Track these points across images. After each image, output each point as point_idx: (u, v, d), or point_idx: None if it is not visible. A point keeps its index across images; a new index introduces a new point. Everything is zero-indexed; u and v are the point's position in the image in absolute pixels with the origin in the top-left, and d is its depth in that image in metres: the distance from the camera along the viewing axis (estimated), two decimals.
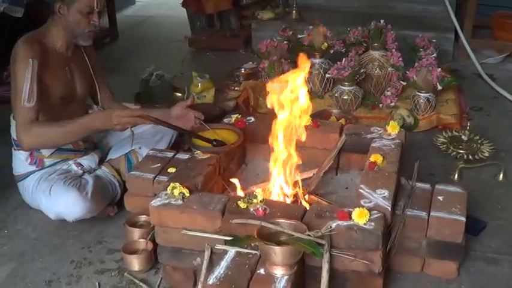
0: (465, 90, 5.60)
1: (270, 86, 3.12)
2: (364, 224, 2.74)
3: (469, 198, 3.19)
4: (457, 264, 3.09)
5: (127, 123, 3.41)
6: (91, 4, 3.46)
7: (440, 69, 4.82)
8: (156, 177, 3.32)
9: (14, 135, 3.64)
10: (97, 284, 3.12)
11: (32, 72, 3.35)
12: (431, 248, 3.01)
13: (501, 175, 4.07)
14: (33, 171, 3.63)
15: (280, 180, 3.23)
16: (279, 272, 2.60)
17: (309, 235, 2.65)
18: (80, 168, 3.66)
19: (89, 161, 3.74)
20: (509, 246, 3.41)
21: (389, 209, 2.89)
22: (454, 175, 4.07)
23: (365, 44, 5.47)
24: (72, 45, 3.64)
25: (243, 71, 5.82)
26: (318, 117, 4.33)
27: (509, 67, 6.34)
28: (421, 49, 5.37)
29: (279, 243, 2.63)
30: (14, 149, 3.69)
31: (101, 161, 3.82)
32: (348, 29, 5.60)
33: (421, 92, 4.84)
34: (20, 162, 3.65)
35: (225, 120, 3.89)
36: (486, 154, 4.22)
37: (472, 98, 5.46)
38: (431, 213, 2.98)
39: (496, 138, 4.55)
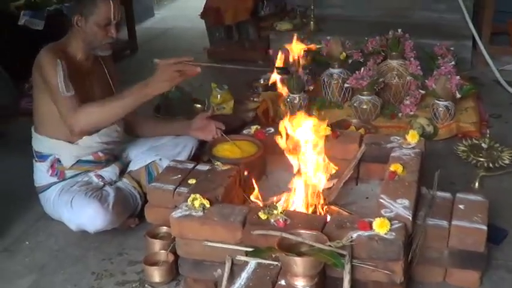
0: (484, 97, 5.58)
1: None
2: (385, 234, 2.74)
3: (490, 207, 3.17)
4: (479, 274, 3.07)
5: (175, 75, 3.40)
6: (108, 16, 3.51)
7: (459, 77, 4.80)
8: (176, 188, 3.34)
9: (35, 147, 3.68)
10: None
11: (63, 70, 3.41)
12: (453, 257, 2.99)
13: None
14: (55, 183, 3.65)
15: (301, 190, 3.24)
16: (300, 283, 2.60)
17: (330, 246, 2.65)
18: (100, 180, 3.68)
19: (109, 173, 3.75)
20: None
21: (410, 218, 2.89)
22: (475, 183, 4.06)
23: (383, 54, 5.45)
24: (92, 56, 3.68)
25: (261, 82, 5.82)
26: (338, 127, 4.33)
27: None
28: (439, 57, 5.35)
29: (299, 254, 2.63)
30: (36, 161, 3.72)
31: (122, 173, 3.84)
32: (366, 38, 5.59)
33: (440, 101, 4.82)
34: (41, 173, 3.68)
35: (245, 131, 3.91)
36: (506, 161, 4.19)
37: (491, 105, 5.44)
38: (452, 222, 2.97)
39: None
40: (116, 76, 3.93)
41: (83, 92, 3.57)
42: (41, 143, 3.66)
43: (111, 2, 3.52)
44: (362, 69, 4.96)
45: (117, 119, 3.60)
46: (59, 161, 3.63)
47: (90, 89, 3.69)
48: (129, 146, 4.01)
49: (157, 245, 3.30)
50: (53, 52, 3.47)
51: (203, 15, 7.21)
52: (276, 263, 2.73)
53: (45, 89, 3.48)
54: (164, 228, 3.35)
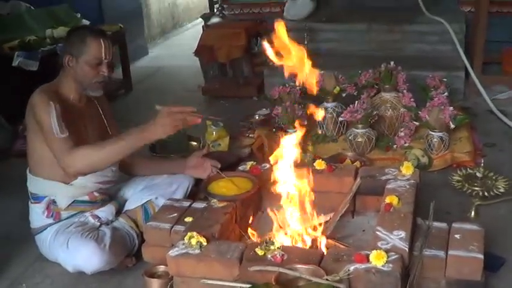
0: (478, 126, 5.61)
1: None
2: (382, 266, 2.75)
3: (487, 235, 3.18)
4: None
5: (176, 123, 3.38)
6: (99, 56, 3.54)
7: (452, 107, 4.84)
8: (173, 227, 3.34)
9: (31, 188, 3.68)
10: None
11: (55, 111, 3.41)
12: (451, 287, 2.99)
13: None
14: (50, 224, 3.64)
15: (298, 225, 3.26)
16: None
17: (327, 279, 2.66)
18: (97, 220, 3.67)
19: (105, 212, 3.74)
20: None
21: (407, 250, 2.90)
22: (471, 213, 4.06)
23: (376, 86, 5.48)
24: (85, 96, 3.69)
25: (256, 118, 5.85)
26: (333, 161, 4.36)
27: None
28: (432, 89, 5.39)
29: None
30: (31, 203, 3.71)
31: (118, 213, 3.83)
32: (359, 72, 5.63)
33: (434, 132, 4.85)
34: (37, 215, 3.67)
35: (240, 167, 3.92)
36: (502, 190, 4.23)
37: (485, 134, 5.47)
38: (449, 252, 2.98)
39: (511, 173, 4.54)
40: (110, 116, 3.94)
41: (77, 133, 3.58)
42: (36, 184, 3.67)
43: (101, 40, 3.54)
44: (356, 102, 4.99)
45: (114, 162, 3.60)
46: (54, 202, 3.63)
47: (85, 130, 3.69)
48: (125, 185, 4.02)
49: (155, 284, 3.28)
50: (46, 94, 3.48)
51: (197, 53, 7.25)
52: None
53: (39, 131, 3.49)
54: (162, 267, 3.34)
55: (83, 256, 3.39)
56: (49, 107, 3.42)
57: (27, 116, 3.55)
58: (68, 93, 3.63)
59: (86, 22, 7.14)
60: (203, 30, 7.67)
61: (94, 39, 3.53)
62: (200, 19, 8.63)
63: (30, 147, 3.64)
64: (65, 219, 3.65)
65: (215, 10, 8.15)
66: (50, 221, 3.65)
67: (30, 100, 3.51)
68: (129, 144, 3.43)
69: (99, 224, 3.67)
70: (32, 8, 7.02)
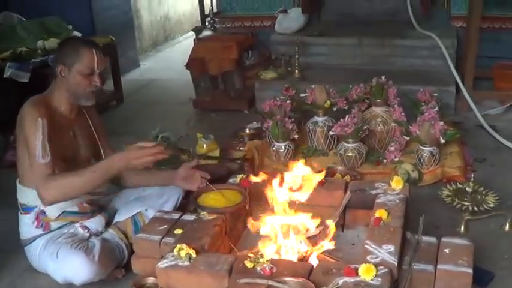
0: (468, 141, 5.63)
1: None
2: (371, 279, 2.76)
3: (476, 250, 3.20)
4: None
5: (145, 162, 3.42)
6: (91, 65, 3.54)
7: (442, 122, 4.85)
8: (162, 239, 3.34)
9: (20, 199, 3.67)
10: None
11: (42, 131, 3.40)
12: None
13: (507, 225, 4.06)
14: (40, 235, 3.63)
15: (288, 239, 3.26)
16: None
17: None
18: (86, 231, 3.67)
19: (95, 223, 3.74)
20: None
21: (396, 264, 2.91)
22: (461, 227, 4.06)
23: (367, 101, 5.52)
24: (76, 108, 3.69)
25: (247, 131, 5.87)
26: None
27: (511, 117, 6.37)
28: (423, 103, 5.41)
29: None
30: (21, 213, 3.70)
31: (108, 224, 3.82)
32: (350, 86, 5.66)
33: (424, 146, 4.86)
34: (27, 226, 3.66)
35: (230, 180, 3.92)
36: (491, 205, 4.24)
37: (476, 149, 5.48)
38: (438, 266, 2.99)
39: (502, 188, 4.57)
40: (100, 127, 3.94)
41: (67, 144, 3.60)
42: (25, 194, 3.65)
43: (94, 50, 3.55)
44: (346, 116, 5.00)
45: (85, 192, 3.57)
46: (43, 212, 3.62)
47: (74, 141, 3.70)
48: (114, 197, 4.01)
49: None
50: (36, 108, 3.48)
51: (188, 65, 7.26)
52: None
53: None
54: (151, 279, 3.33)
55: (72, 267, 3.38)
56: (37, 125, 3.41)
57: (18, 128, 3.55)
58: (59, 104, 3.63)
59: (77, 34, 7.16)
60: (194, 43, 7.68)
61: (87, 49, 3.54)
62: (192, 32, 8.64)
63: (20, 157, 3.62)
64: (54, 229, 3.64)
65: (207, 23, 8.19)
66: (40, 231, 3.64)
67: (20, 112, 3.51)
68: (100, 175, 3.45)
69: (88, 235, 3.67)
70: (24, 19, 7.03)
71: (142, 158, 3.37)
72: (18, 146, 3.62)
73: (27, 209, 3.64)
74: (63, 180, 3.42)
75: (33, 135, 3.40)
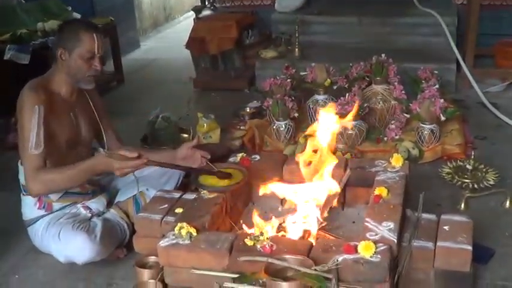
0: (469, 119, 5.63)
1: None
2: (371, 256, 2.77)
3: (477, 227, 3.21)
4: None
5: (128, 172, 3.44)
6: (92, 49, 3.53)
7: (443, 100, 4.85)
8: (163, 218, 3.35)
9: (22, 180, 3.68)
10: None
11: (38, 119, 3.40)
12: (439, 278, 3.01)
13: (507, 202, 4.08)
14: (42, 216, 3.66)
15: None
16: None
17: (315, 270, 2.68)
18: (88, 211, 3.69)
19: (97, 204, 3.76)
20: None
21: (395, 241, 2.92)
22: (461, 205, 4.08)
23: (367, 79, 5.51)
24: (76, 90, 3.68)
25: (248, 110, 5.86)
26: None
27: None
28: (423, 81, 5.41)
29: (286, 279, 2.65)
30: (23, 194, 3.72)
31: (109, 204, 3.85)
32: (350, 64, 5.66)
33: (425, 124, 4.87)
34: (29, 207, 3.69)
35: (231, 159, 3.93)
36: (491, 182, 4.26)
37: (476, 127, 5.49)
38: (437, 244, 2.99)
39: (502, 165, 4.59)
40: (101, 108, 3.93)
41: (67, 126, 3.61)
42: None
43: (94, 35, 3.53)
44: (347, 94, 5.00)
45: (69, 187, 3.59)
46: (45, 195, 3.64)
47: (76, 123, 3.70)
48: (116, 177, 4.01)
49: (146, 274, 3.28)
50: (35, 93, 3.46)
51: (188, 45, 7.26)
52: None
53: None
54: (153, 258, 3.34)
55: (74, 247, 3.41)
56: (33, 113, 3.40)
57: (18, 110, 3.53)
58: (60, 87, 3.62)
59: (77, 15, 7.12)
60: (194, 22, 7.67)
61: (87, 33, 3.52)
62: (192, 12, 8.62)
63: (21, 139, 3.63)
64: (56, 210, 3.66)
65: (206, 2, 8.17)
66: (42, 212, 3.66)
67: (20, 96, 3.50)
68: (87, 172, 3.46)
69: (90, 215, 3.69)
70: (23, 1, 7.01)
71: (124, 169, 3.37)
72: (19, 129, 3.62)
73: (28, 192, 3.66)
74: (51, 174, 3.45)
75: (29, 123, 3.40)
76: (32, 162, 3.41)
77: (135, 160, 3.35)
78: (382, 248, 2.83)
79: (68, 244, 3.43)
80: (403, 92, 5.13)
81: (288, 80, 5.57)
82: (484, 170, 4.41)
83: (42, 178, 3.42)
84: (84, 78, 3.59)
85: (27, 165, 3.44)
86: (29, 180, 3.43)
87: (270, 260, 2.74)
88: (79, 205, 3.71)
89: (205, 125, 5.26)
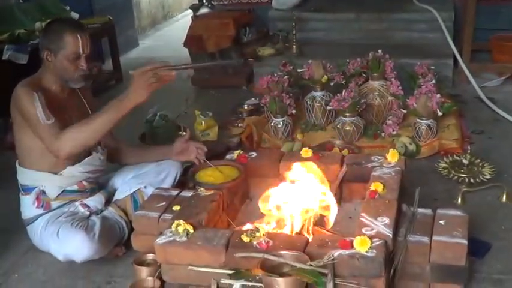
0: (466, 114, 5.66)
1: None
2: (366, 251, 2.79)
3: (474, 221, 3.24)
4: (462, 287, 3.10)
5: (150, 82, 3.32)
6: (77, 51, 3.52)
7: (439, 95, 4.86)
8: (161, 215, 3.37)
9: (21, 180, 3.71)
10: None
11: (40, 101, 3.41)
12: (435, 272, 3.02)
13: (504, 196, 4.09)
14: (41, 214, 3.67)
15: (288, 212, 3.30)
16: None
17: (311, 265, 2.70)
18: (86, 209, 3.71)
19: (95, 202, 3.78)
20: None
21: (391, 235, 2.93)
22: (458, 199, 4.09)
23: (364, 75, 5.52)
24: (67, 88, 3.68)
25: (245, 107, 5.89)
26: (321, 149, 4.40)
27: (509, 89, 6.40)
28: (420, 76, 5.42)
29: (282, 275, 2.67)
30: (22, 194, 3.74)
31: (108, 202, 3.86)
32: (347, 60, 5.67)
33: (422, 119, 4.88)
34: (27, 206, 3.70)
35: (228, 156, 3.95)
36: (487, 176, 4.28)
37: (474, 121, 5.51)
38: (433, 238, 3.01)
39: (499, 160, 4.61)
40: (94, 105, 3.91)
41: (61, 124, 3.56)
42: (25, 175, 3.69)
43: (78, 35, 3.51)
44: (344, 91, 5.01)
45: (101, 136, 3.52)
46: (43, 192, 3.66)
47: (69, 120, 3.66)
48: (114, 175, 4.04)
49: (144, 272, 3.31)
50: (29, 86, 3.49)
51: (186, 43, 7.27)
52: (260, 284, 2.76)
53: (24, 123, 3.51)
54: (151, 255, 3.36)
55: (73, 245, 3.42)
56: (33, 96, 3.42)
57: (12, 110, 3.56)
58: (50, 85, 3.63)
59: (75, 15, 7.12)
60: (192, 20, 7.68)
61: (71, 34, 3.50)
62: (190, 10, 8.63)
63: (18, 139, 3.67)
64: (55, 209, 3.68)
65: (204, 1, 8.15)
66: (41, 211, 3.67)
67: (13, 94, 3.52)
68: (111, 116, 3.41)
69: (88, 213, 3.70)
70: (21, 1, 7.02)
71: (144, 76, 3.31)
72: (15, 128, 3.64)
73: (27, 190, 3.69)
74: (74, 129, 3.42)
75: (32, 107, 3.40)
76: (50, 131, 3.40)
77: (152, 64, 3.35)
78: (377, 243, 2.85)
79: (66, 242, 3.43)
80: (400, 87, 5.14)
81: (286, 77, 5.58)
82: (481, 164, 4.43)
83: (65, 136, 3.38)
84: (73, 78, 3.59)
85: (46, 136, 3.42)
86: (55, 144, 3.39)
87: (266, 256, 2.75)
88: (77, 203, 3.72)
89: (203, 122, 5.28)
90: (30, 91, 3.45)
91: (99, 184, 3.94)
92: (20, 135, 3.63)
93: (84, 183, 3.75)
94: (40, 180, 3.66)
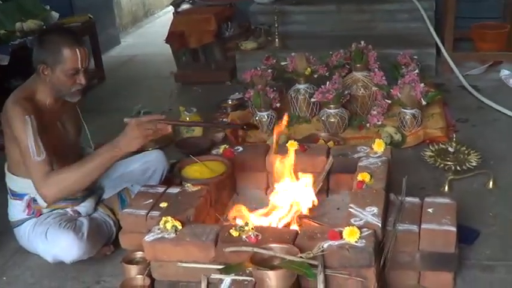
0: (450, 102, 5.67)
1: None
2: (356, 242, 2.79)
3: (461, 208, 3.25)
4: (452, 275, 3.12)
5: (146, 133, 3.24)
6: (75, 66, 3.38)
7: (423, 84, 4.87)
8: (148, 213, 3.34)
9: (9, 184, 3.66)
10: None
11: (32, 128, 3.29)
12: (425, 260, 3.04)
13: (491, 183, 4.11)
14: (29, 218, 3.63)
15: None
16: None
17: (301, 257, 2.69)
18: (77, 215, 3.66)
19: (86, 208, 3.72)
20: (503, 252, 3.47)
21: (380, 225, 2.94)
22: (445, 187, 4.11)
23: (348, 66, 5.53)
24: (61, 99, 3.55)
25: (230, 102, 5.89)
26: (307, 141, 4.38)
27: (492, 77, 6.42)
28: (403, 66, 5.43)
29: (272, 268, 2.67)
30: (11, 198, 3.69)
31: (96, 203, 3.83)
32: (330, 52, 5.66)
33: (406, 109, 4.89)
34: (17, 210, 3.65)
35: (214, 151, 3.93)
36: (474, 164, 4.29)
37: (458, 110, 5.53)
38: (422, 226, 3.02)
39: (484, 147, 4.62)
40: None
41: (56, 135, 3.53)
42: (15, 182, 3.62)
43: (77, 50, 3.38)
44: (327, 82, 5.01)
45: (89, 182, 3.42)
46: (35, 200, 3.57)
47: (64, 130, 3.64)
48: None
49: (133, 270, 3.29)
50: (21, 106, 3.34)
51: (168, 40, 7.23)
52: (251, 278, 2.76)
53: (16, 142, 3.38)
54: (140, 253, 3.34)
55: (62, 246, 3.39)
56: (25, 124, 3.29)
57: (3, 124, 3.46)
58: (44, 98, 3.49)
59: (55, 14, 7.10)
60: (173, 17, 7.65)
61: (69, 49, 3.36)
62: (171, 6, 8.60)
63: (8, 148, 3.56)
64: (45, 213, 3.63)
65: None
66: (31, 216, 3.63)
67: (5, 109, 3.40)
68: (103, 162, 3.31)
69: (77, 215, 3.67)
70: (0, 1, 6.97)
71: (142, 126, 3.21)
72: (6, 138, 3.52)
73: (18, 196, 3.62)
74: (62, 174, 3.32)
75: (24, 135, 3.28)
76: (39, 169, 3.29)
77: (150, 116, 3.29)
78: (366, 233, 2.86)
79: (55, 243, 3.41)
80: (383, 78, 5.15)
81: (269, 71, 5.58)
82: (466, 152, 4.44)
83: (53, 180, 3.28)
84: (70, 92, 3.47)
85: (34, 173, 3.31)
86: (41, 188, 3.30)
87: (255, 250, 2.75)
88: (68, 209, 3.66)
89: (187, 118, 5.26)
90: (22, 114, 3.31)
91: (90, 188, 3.83)
92: (11, 146, 3.52)
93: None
94: (30, 188, 3.46)
